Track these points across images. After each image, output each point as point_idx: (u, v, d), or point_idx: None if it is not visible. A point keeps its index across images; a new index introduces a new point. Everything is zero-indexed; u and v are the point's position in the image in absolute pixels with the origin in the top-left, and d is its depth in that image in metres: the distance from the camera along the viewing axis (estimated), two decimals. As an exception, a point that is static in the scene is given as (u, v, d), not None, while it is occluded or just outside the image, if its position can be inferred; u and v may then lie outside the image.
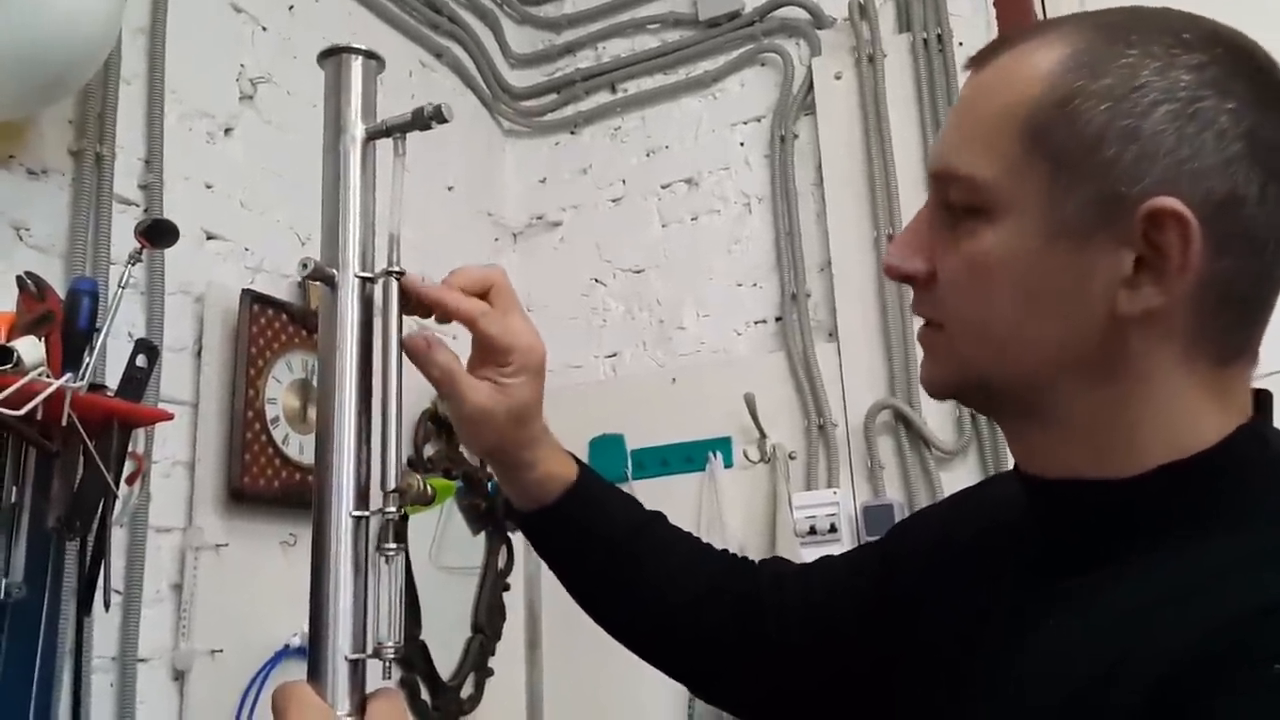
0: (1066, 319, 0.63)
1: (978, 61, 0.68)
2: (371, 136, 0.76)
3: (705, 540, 0.96)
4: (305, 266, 0.72)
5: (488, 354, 0.82)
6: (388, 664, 0.68)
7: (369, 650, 0.67)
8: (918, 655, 0.76)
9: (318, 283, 0.74)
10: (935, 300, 0.68)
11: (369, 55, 0.78)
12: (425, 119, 0.76)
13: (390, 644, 0.68)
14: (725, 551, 0.95)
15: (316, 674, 0.66)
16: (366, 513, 0.69)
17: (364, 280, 0.73)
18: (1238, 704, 0.50)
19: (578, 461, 0.90)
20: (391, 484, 0.70)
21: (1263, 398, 0.66)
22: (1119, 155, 0.60)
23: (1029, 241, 0.63)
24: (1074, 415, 0.64)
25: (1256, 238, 0.60)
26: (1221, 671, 0.51)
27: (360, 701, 0.66)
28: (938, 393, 0.71)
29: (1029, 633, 0.64)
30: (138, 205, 1.76)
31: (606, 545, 0.89)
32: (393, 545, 0.70)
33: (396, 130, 0.76)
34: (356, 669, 0.66)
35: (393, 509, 0.71)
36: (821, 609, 0.87)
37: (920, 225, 0.69)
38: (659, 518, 0.94)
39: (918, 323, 0.72)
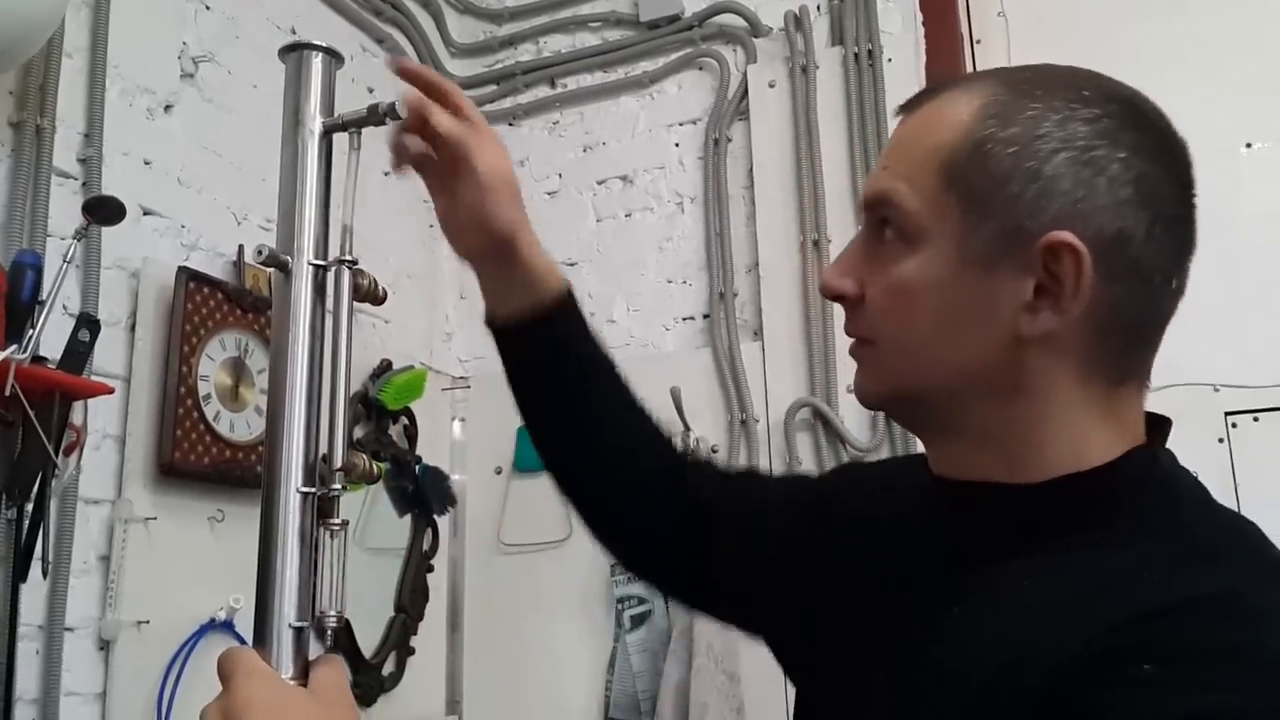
0: (975, 339, 0.70)
1: (908, 107, 0.76)
2: (329, 131, 0.80)
3: None
4: (260, 253, 0.75)
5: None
6: (329, 632, 0.72)
7: (312, 619, 0.71)
8: (826, 629, 0.82)
9: (271, 268, 0.78)
10: (863, 319, 0.76)
11: (329, 52, 0.82)
12: (380, 115, 0.80)
13: (332, 614, 0.72)
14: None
15: (262, 640, 0.70)
16: (314, 489, 0.73)
17: (317, 268, 0.77)
18: (1112, 695, 0.57)
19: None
20: (338, 462, 0.74)
21: (1157, 422, 0.74)
22: (1022, 193, 0.67)
23: (943, 268, 0.70)
24: (984, 427, 0.72)
25: (1143, 271, 0.68)
26: (1105, 668, 0.58)
27: (303, 667, 0.70)
28: (869, 403, 0.79)
29: (938, 619, 0.70)
30: (76, 179, 1.76)
31: (582, 365, 0.99)
32: (337, 520, 0.74)
33: (352, 125, 0.79)
34: (300, 636, 0.70)
35: (338, 486, 0.75)
36: (735, 505, 0.99)
37: (854, 250, 0.77)
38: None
39: (849, 341, 0.79)
